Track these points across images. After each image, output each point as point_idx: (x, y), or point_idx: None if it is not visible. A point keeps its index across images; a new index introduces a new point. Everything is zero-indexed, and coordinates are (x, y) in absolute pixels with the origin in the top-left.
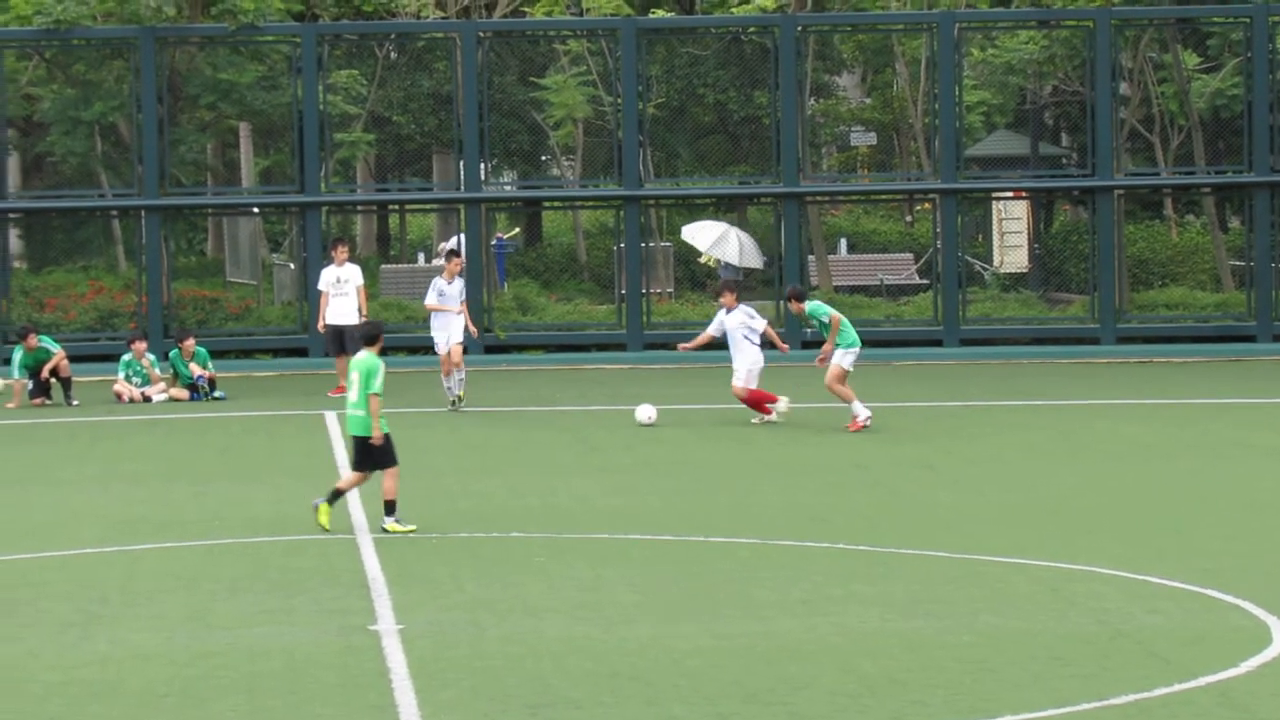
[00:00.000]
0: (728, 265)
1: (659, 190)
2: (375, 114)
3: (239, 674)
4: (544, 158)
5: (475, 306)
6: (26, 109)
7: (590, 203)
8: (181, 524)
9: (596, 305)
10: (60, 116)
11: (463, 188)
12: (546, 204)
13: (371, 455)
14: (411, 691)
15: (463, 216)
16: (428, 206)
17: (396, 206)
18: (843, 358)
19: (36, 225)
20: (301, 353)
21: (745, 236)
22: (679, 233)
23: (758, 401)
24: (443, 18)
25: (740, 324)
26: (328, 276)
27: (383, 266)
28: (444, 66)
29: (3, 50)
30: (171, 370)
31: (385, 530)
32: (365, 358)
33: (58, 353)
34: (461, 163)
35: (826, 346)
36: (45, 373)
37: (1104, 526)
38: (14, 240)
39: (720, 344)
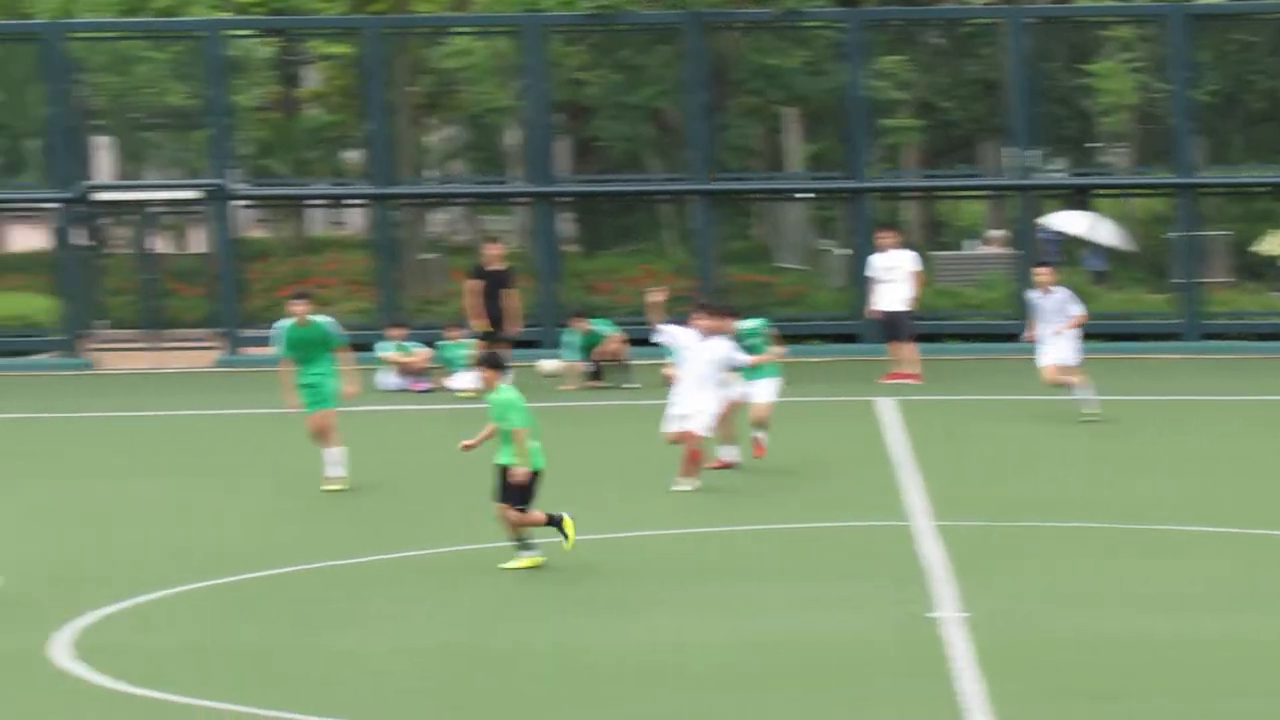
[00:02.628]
0: (1095, 250)
1: (1212, 178)
2: (922, 100)
3: (799, 661)
4: (1093, 145)
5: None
6: (575, 93)
7: (1142, 190)
8: (742, 509)
9: (1151, 294)
10: (608, 101)
11: (1011, 175)
12: (1097, 192)
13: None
14: (975, 680)
15: (1013, 204)
16: (976, 193)
17: (945, 193)
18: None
19: (587, 209)
20: (852, 339)
21: (1112, 225)
22: (1233, 222)
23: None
24: (988, 3)
25: (721, 359)
26: (877, 263)
27: (933, 253)
28: (991, 52)
29: (550, 35)
30: None
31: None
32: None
33: (612, 335)
34: (1009, 150)
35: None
36: (600, 355)
37: None
38: (565, 224)
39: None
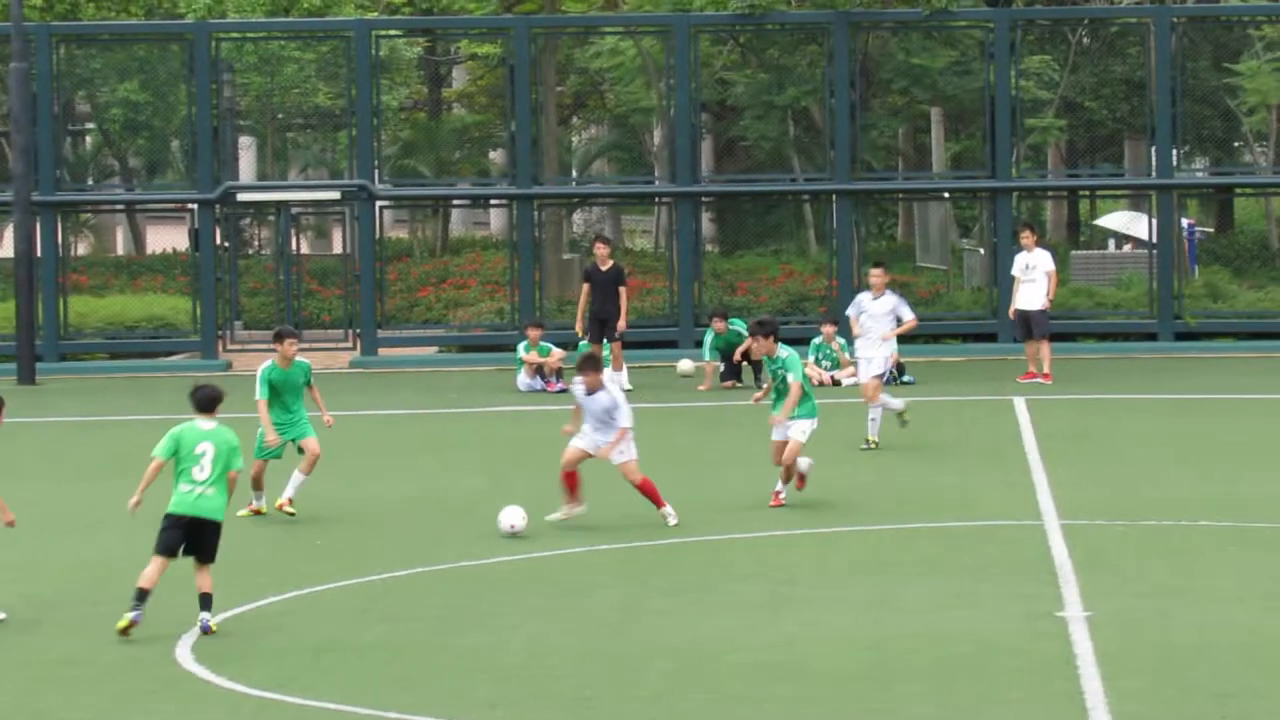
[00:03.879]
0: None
1: None
2: (1067, 99)
3: (925, 658)
4: (1236, 144)
5: (1165, 293)
6: (721, 93)
7: None
8: (878, 508)
9: None
10: (754, 101)
11: (1154, 174)
12: (1238, 190)
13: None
14: (1098, 678)
15: (1154, 203)
16: (1118, 192)
17: (1087, 192)
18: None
19: (728, 209)
20: (990, 338)
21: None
22: None
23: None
24: (1136, 3)
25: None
26: (1018, 262)
27: (1073, 252)
28: (1137, 52)
29: (698, 35)
30: None
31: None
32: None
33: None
34: (1153, 149)
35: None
36: (738, 355)
37: None
38: (706, 224)
39: None
